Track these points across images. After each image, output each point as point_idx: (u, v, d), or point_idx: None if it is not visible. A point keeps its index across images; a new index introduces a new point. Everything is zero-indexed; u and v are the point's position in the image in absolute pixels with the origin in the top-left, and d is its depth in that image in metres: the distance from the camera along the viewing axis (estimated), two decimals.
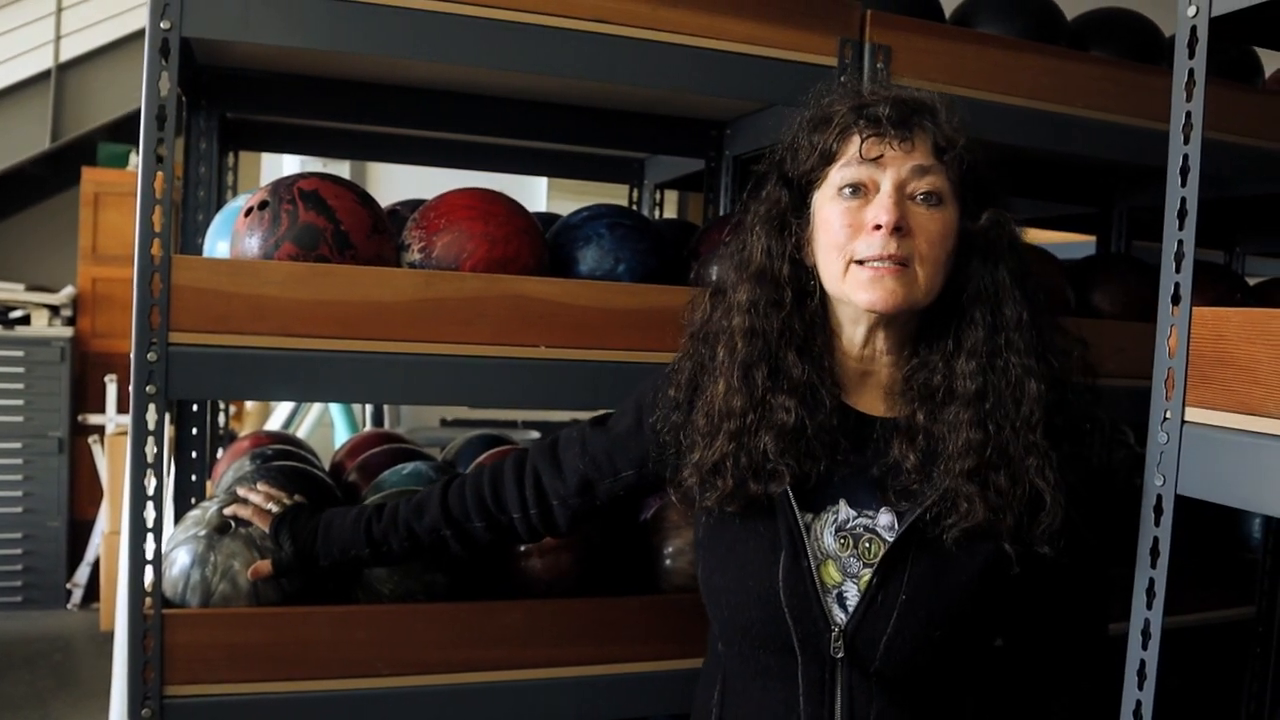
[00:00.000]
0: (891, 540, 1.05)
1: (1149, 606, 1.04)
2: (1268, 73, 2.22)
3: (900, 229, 1.02)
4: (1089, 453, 1.10)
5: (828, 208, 1.08)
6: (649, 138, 2.09)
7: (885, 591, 1.04)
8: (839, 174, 1.07)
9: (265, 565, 1.35)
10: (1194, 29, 1.03)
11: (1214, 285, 2.00)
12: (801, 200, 1.11)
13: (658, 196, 2.48)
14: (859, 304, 1.05)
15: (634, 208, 2.49)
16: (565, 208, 1.85)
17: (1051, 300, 1.12)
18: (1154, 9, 2.10)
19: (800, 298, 1.10)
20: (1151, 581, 1.05)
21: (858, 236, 1.04)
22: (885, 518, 1.07)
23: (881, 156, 1.04)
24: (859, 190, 1.05)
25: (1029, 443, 1.03)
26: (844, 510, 1.09)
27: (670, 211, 2.67)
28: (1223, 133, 1.80)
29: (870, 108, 1.06)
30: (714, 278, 1.20)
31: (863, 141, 1.05)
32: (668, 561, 1.56)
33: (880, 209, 1.03)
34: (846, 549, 1.07)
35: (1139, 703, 1.05)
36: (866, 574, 1.06)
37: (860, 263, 1.04)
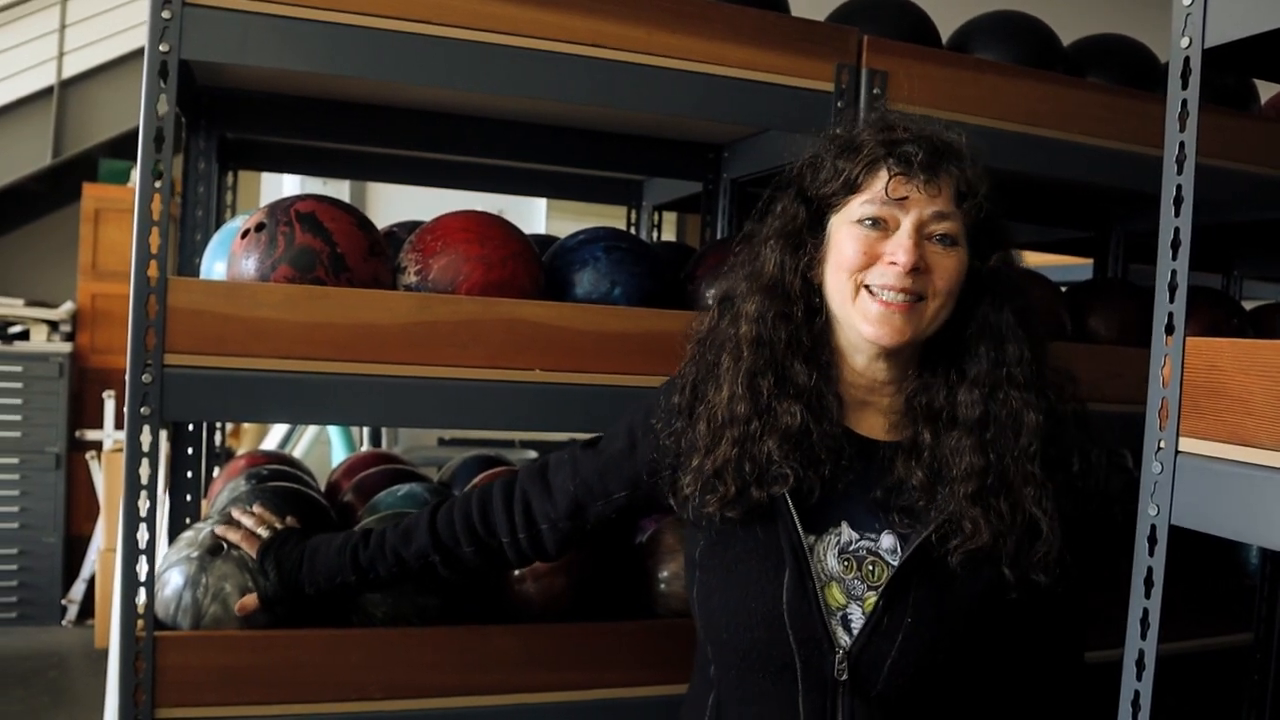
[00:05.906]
0: (896, 564, 1.06)
1: (1143, 637, 1.04)
2: (1264, 99, 2.23)
3: (918, 269, 1.04)
4: (1083, 482, 1.11)
5: (844, 231, 1.09)
6: (647, 160, 2.09)
7: (891, 614, 1.05)
8: (861, 207, 1.08)
9: (252, 599, 1.34)
10: (1187, 60, 1.03)
11: (1210, 310, 2.01)
12: (818, 220, 1.12)
13: (656, 218, 2.49)
14: (863, 334, 1.06)
15: (632, 229, 2.49)
16: (564, 228, 1.85)
17: (1046, 328, 1.15)
18: (1150, 35, 2.11)
19: (809, 313, 1.12)
20: (1146, 611, 1.04)
21: (873, 266, 1.06)
22: (888, 540, 1.08)
23: (906, 198, 1.06)
24: (879, 224, 1.07)
25: (1027, 473, 1.05)
26: (846, 532, 1.09)
27: (669, 233, 2.68)
28: (1219, 159, 1.80)
29: (901, 145, 1.07)
30: (713, 299, 1.20)
31: (890, 179, 1.06)
32: (662, 586, 1.56)
33: (899, 248, 1.04)
34: (850, 571, 1.08)
35: None
36: (871, 596, 1.06)
37: (871, 290, 1.06)
